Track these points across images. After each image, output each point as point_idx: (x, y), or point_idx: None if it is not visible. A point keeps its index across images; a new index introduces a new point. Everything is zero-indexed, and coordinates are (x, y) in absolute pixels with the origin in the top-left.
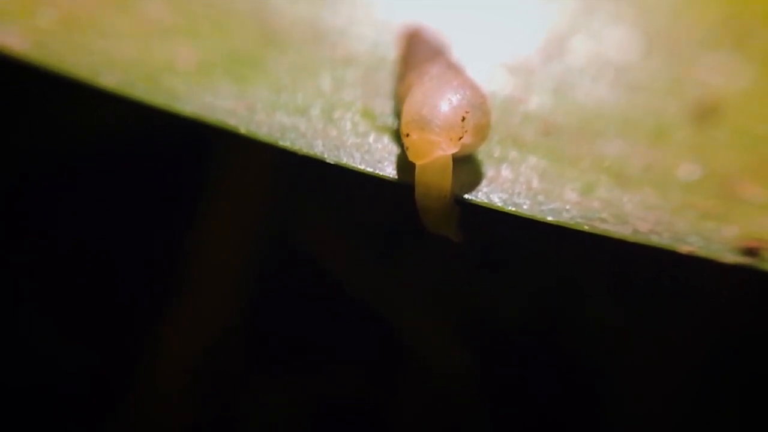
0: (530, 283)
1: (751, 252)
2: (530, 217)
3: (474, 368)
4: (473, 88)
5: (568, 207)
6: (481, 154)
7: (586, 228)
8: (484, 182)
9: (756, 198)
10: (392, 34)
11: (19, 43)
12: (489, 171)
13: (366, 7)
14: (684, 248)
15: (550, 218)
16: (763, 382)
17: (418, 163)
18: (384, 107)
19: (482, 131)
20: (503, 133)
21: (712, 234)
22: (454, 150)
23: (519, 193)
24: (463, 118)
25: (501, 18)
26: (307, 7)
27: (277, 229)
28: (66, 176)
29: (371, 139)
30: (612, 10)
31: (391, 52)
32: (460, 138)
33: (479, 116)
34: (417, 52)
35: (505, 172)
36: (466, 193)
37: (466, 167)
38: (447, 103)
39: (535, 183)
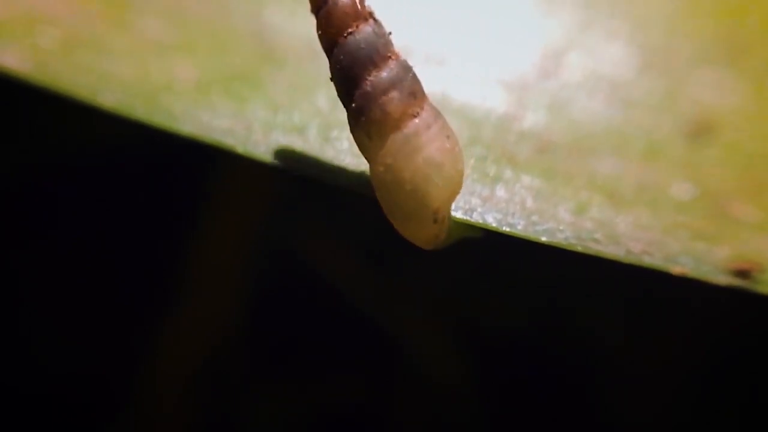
0: (529, 287)
1: (742, 274)
2: (524, 238)
3: (472, 376)
4: (437, 165)
5: (561, 227)
6: (477, 173)
7: (579, 249)
8: (478, 202)
9: (748, 218)
10: None
11: (19, 63)
12: (484, 191)
13: None
14: (676, 269)
15: (544, 239)
16: (764, 382)
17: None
18: None
19: (455, 196)
20: (498, 152)
21: (703, 255)
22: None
23: (513, 214)
24: (435, 221)
25: (497, 33)
26: (304, 23)
27: (277, 235)
28: (68, 177)
29: None
30: (607, 26)
31: None
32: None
33: (449, 197)
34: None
35: (500, 191)
36: (461, 212)
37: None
38: (411, 217)
39: (530, 203)
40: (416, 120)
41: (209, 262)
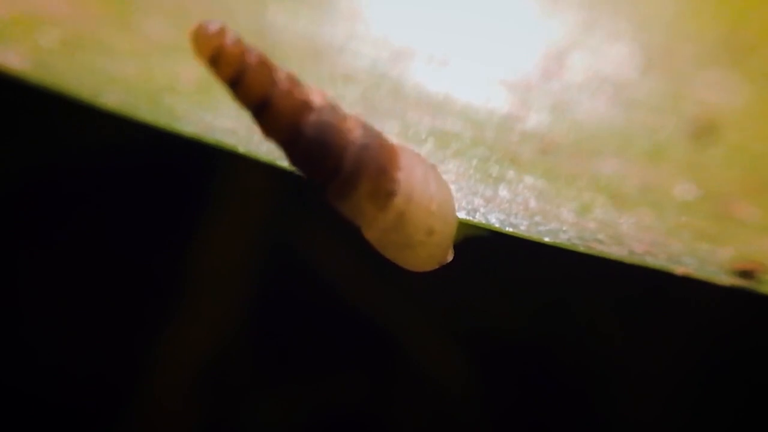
0: (530, 287)
1: (746, 274)
2: (527, 239)
3: (472, 376)
4: (428, 233)
5: (565, 228)
6: (479, 173)
7: (582, 249)
8: (481, 202)
9: (751, 218)
10: (390, 52)
11: (20, 62)
12: (487, 191)
13: (365, 23)
14: (679, 270)
15: (547, 239)
16: (764, 382)
17: None
18: (383, 126)
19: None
20: (501, 152)
21: (707, 255)
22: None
23: (516, 214)
24: (440, 263)
25: (499, 34)
26: (307, 23)
27: (278, 239)
28: (68, 177)
29: None
30: (610, 27)
31: (391, 69)
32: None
33: (449, 248)
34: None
35: (503, 192)
36: (464, 213)
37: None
38: (414, 268)
39: (533, 203)
40: (396, 198)
41: (210, 262)
